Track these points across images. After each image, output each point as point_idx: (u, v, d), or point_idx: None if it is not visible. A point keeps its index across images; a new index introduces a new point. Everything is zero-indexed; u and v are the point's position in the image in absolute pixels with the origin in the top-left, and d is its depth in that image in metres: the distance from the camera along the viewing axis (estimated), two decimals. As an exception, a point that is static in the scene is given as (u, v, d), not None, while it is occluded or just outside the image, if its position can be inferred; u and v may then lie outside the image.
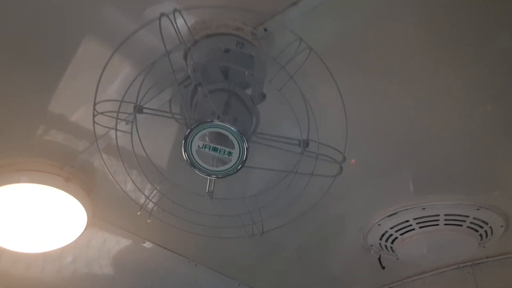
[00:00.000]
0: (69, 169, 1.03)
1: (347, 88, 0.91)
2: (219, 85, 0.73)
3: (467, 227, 1.18)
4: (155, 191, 0.73)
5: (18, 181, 0.99)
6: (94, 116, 0.71)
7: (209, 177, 0.70)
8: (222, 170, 0.67)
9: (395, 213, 1.19)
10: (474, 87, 0.90)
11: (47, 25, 0.76)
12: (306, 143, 0.67)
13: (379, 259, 1.37)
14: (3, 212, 1.03)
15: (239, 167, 0.67)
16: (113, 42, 0.78)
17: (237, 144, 0.65)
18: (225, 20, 0.70)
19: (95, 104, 0.70)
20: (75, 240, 1.13)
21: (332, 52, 0.83)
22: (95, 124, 0.72)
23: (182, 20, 0.68)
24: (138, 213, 0.73)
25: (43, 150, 0.99)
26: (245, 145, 0.65)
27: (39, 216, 1.05)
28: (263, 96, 0.72)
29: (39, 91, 0.87)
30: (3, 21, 0.75)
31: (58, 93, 0.88)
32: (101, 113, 0.71)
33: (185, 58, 0.79)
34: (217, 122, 0.63)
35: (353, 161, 1.10)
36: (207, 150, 0.65)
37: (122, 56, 0.82)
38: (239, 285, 1.52)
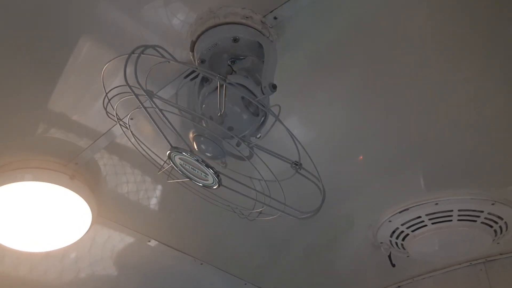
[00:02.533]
0: (73, 166, 1.01)
1: (358, 80, 0.89)
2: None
3: (481, 222, 1.15)
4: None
5: (22, 179, 0.98)
6: (108, 100, 0.69)
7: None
8: (203, 183, 0.70)
9: (407, 209, 1.17)
10: (487, 80, 0.88)
11: (48, 23, 0.75)
12: (299, 165, 0.70)
13: (389, 256, 1.35)
14: (7, 210, 1.01)
15: (213, 188, 0.70)
16: (115, 39, 0.78)
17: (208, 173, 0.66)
18: (233, 8, 0.68)
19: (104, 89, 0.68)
20: (79, 238, 1.11)
21: (344, 42, 0.81)
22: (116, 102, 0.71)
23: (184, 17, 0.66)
24: (158, 173, 0.74)
25: (46, 147, 0.98)
26: (215, 177, 0.66)
27: (43, 215, 1.03)
28: (274, 87, 0.69)
29: (41, 89, 0.86)
30: (4, 19, 0.73)
31: (61, 90, 0.86)
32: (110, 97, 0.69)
33: (192, 50, 0.76)
34: (185, 154, 0.64)
35: (361, 157, 1.08)
36: (188, 167, 0.68)
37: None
38: (245, 284, 1.50)
